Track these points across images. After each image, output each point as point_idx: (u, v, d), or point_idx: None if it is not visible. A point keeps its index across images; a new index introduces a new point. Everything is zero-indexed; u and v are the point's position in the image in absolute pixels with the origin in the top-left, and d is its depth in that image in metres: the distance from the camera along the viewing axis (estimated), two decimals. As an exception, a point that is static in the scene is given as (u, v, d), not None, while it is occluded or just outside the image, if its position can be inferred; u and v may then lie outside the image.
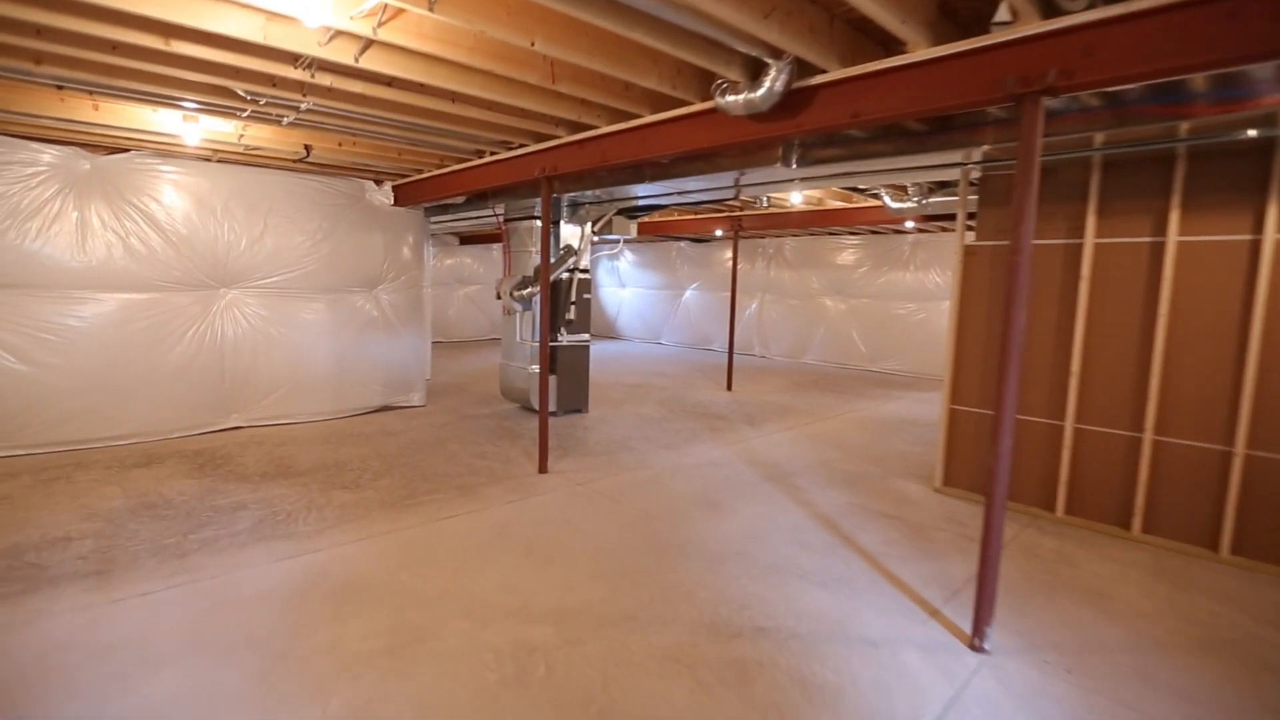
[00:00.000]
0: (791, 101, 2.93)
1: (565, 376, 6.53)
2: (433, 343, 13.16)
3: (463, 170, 5.27)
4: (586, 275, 6.60)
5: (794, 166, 3.99)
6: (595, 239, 12.10)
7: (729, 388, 8.45)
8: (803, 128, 2.98)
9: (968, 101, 2.38)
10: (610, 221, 6.62)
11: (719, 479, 4.65)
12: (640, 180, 4.83)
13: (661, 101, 3.53)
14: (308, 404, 6.04)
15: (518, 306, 6.27)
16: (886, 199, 6.24)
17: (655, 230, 9.26)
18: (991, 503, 2.42)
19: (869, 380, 9.62)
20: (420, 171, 5.80)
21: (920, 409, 7.47)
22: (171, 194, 5.20)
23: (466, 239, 13.39)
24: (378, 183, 6.27)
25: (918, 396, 8.36)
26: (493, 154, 4.85)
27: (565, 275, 6.42)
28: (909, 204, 6.12)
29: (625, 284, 15.13)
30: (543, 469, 4.66)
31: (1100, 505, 3.86)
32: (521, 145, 4.56)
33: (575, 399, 6.69)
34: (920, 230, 10.02)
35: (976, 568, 3.13)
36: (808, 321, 11.60)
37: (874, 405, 7.66)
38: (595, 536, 3.56)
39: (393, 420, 6.24)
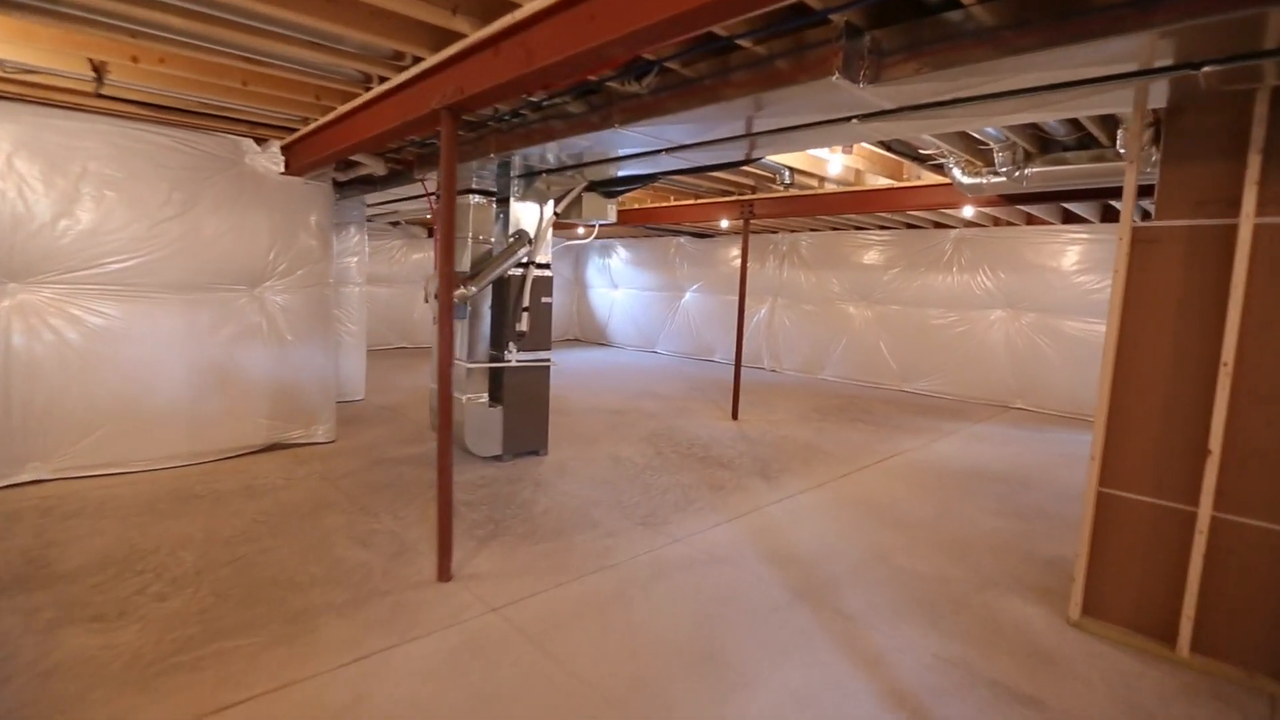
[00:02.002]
0: None
1: (514, 409, 4.82)
2: (395, 349, 11.53)
3: (352, 112, 3.57)
4: (547, 272, 4.90)
5: (861, 84, 2.28)
6: (583, 227, 10.42)
7: (734, 415, 6.74)
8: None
9: None
10: (580, 200, 4.92)
11: (722, 595, 2.94)
12: (606, 126, 3.13)
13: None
14: (150, 446, 4.34)
15: (447, 313, 4.56)
16: (956, 172, 4.53)
17: (646, 219, 7.59)
18: None
19: (904, 405, 7.90)
20: (307, 121, 4.10)
21: (983, 451, 5.75)
22: (-84, 142, 3.51)
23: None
24: (260, 141, 4.58)
25: (972, 431, 6.64)
26: (382, 79, 3.14)
27: (516, 271, 4.72)
28: (990, 179, 4.40)
29: (617, 284, 13.44)
30: (444, 575, 2.95)
31: None
32: (416, 60, 2.85)
33: (528, 438, 4.98)
34: (968, 224, 8.31)
35: None
36: (826, 331, 9.89)
37: (921, 444, 5.94)
38: (484, 771, 1.85)
39: (274, 468, 4.53)
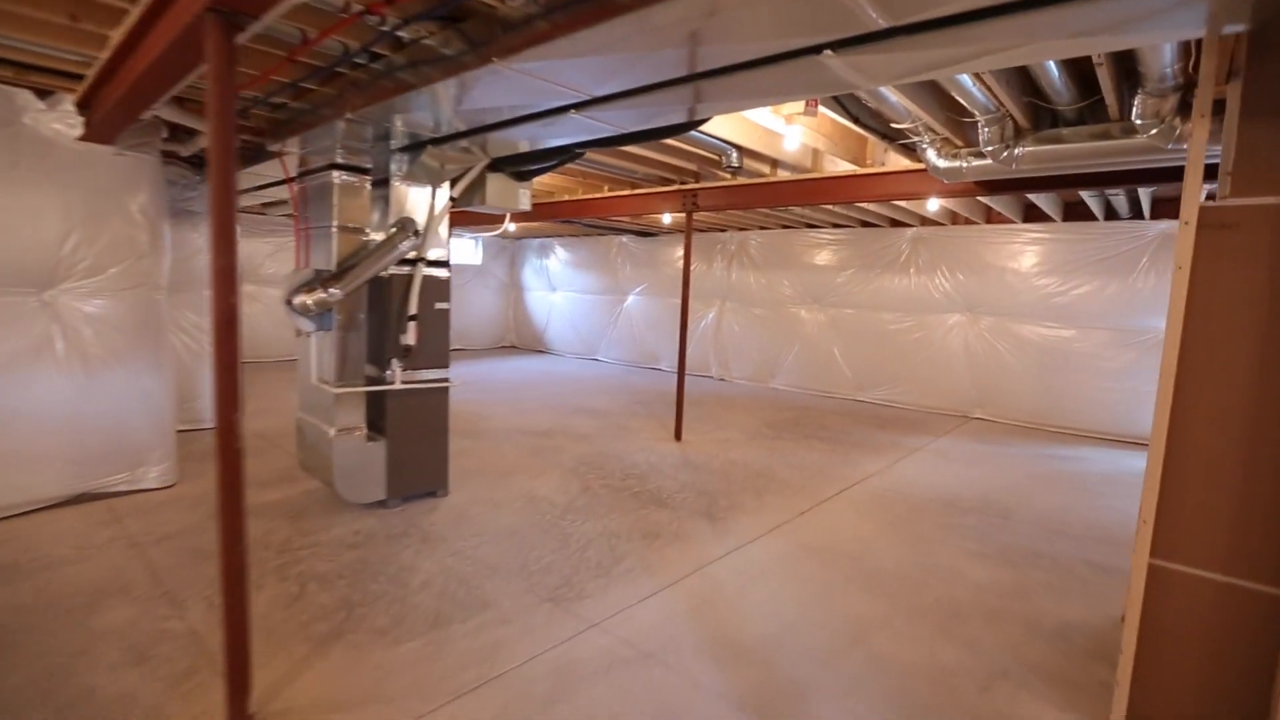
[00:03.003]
0: None
1: (401, 442, 3.85)
2: (294, 360, 10.27)
3: (132, 42, 2.53)
4: (442, 271, 3.95)
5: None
6: (511, 222, 9.50)
7: (678, 435, 5.93)
8: None
9: None
10: (482, 182, 4.00)
11: (650, 723, 2.09)
12: (482, 62, 2.25)
13: None
14: (-121, 506, 3.17)
15: (306, 324, 3.56)
16: (931, 154, 3.84)
17: (578, 212, 6.72)
18: None
19: (861, 418, 7.27)
20: (90, 63, 3.02)
21: (951, 473, 5.12)
22: None
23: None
24: (42, 95, 3.46)
25: (936, 447, 6.04)
26: (148, -14, 2.16)
27: (400, 270, 3.76)
28: (970, 162, 3.73)
29: (556, 287, 12.50)
30: (238, 716, 1.98)
31: None
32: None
33: (422, 477, 4.02)
34: (925, 222, 7.78)
35: None
36: (777, 337, 9.24)
37: (884, 466, 5.27)
38: None
39: (68, 530, 3.43)
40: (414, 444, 3.92)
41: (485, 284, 12.99)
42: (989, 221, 7.41)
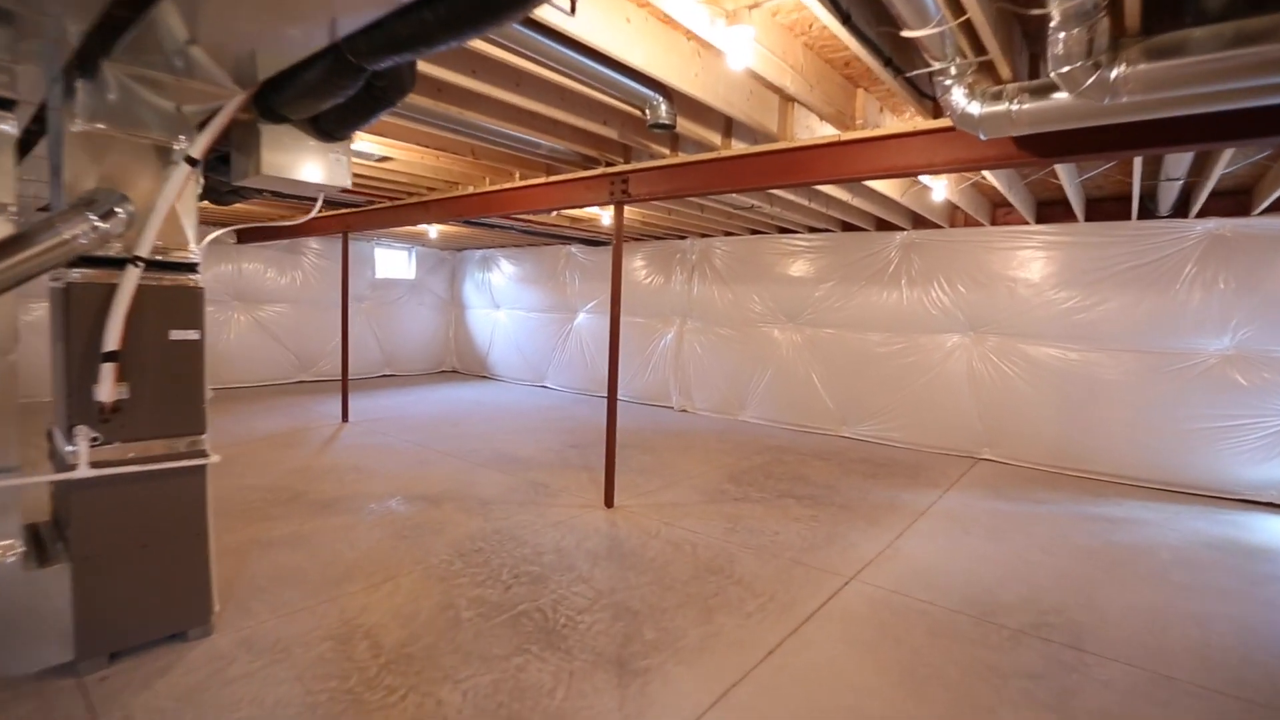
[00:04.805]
0: None
1: (100, 563, 2.30)
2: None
3: None
4: (188, 277, 2.46)
5: None
6: (434, 229, 8.00)
7: (608, 500, 4.45)
8: None
9: None
10: (256, 138, 2.52)
11: None
12: None
13: None
14: None
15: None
16: (958, 94, 2.46)
17: (483, 208, 5.24)
18: None
19: (847, 462, 5.87)
20: None
21: (974, 553, 3.69)
22: None
23: (246, 234, 8.93)
24: None
25: (944, 507, 4.64)
26: None
27: (90, 277, 2.25)
28: (1021, 104, 2.35)
29: (499, 304, 11.00)
30: None
31: None
32: None
33: (155, 613, 2.46)
34: (919, 223, 6.48)
35: None
36: (747, 361, 7.84)
37: (883, 543, 3.84)
38: None
39: None
40: (131, 564, 2.37)
41: (421, 300, 11.45)
42: (995, 223, 6.13)
